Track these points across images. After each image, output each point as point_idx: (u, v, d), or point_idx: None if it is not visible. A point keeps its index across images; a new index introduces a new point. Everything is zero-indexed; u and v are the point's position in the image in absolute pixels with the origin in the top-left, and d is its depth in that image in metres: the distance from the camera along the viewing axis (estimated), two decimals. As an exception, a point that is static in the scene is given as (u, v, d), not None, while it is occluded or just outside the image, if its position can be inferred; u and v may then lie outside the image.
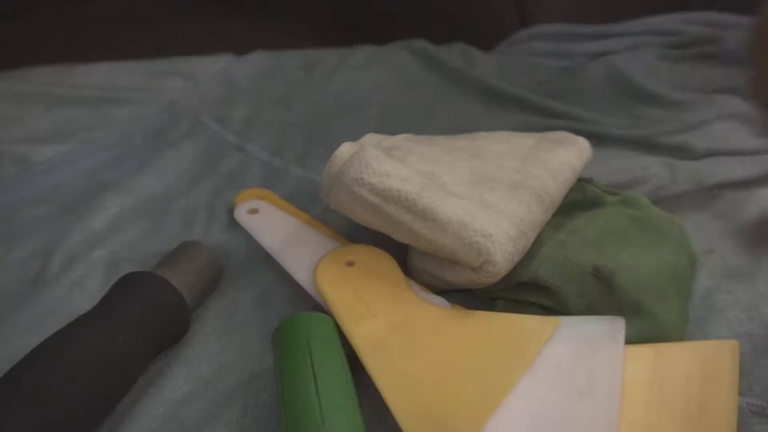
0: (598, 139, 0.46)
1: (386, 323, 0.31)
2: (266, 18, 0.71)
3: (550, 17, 0.63)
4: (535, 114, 0.52)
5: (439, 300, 0.34)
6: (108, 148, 0.49)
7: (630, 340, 0.31)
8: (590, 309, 0.33)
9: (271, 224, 0.38)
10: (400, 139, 0.39)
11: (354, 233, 0.38)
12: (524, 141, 0.42)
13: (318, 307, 0.33)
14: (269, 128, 0.51)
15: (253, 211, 0.39)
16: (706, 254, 0.39)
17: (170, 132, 0.51)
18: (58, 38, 0.65)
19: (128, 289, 0.32)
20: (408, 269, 0.35)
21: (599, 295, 0.33)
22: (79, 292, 0.36)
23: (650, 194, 0.42)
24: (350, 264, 0.35)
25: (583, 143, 0.41)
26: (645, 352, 0.31)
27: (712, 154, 0.45)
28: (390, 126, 0.42)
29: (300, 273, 0.35)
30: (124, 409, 0.30)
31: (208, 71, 0.59)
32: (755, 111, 0.48)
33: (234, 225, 0.40)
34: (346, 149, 0.36)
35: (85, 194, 0.43)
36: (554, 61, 0.60)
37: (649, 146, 0.47)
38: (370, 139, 0.39)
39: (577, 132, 0.42)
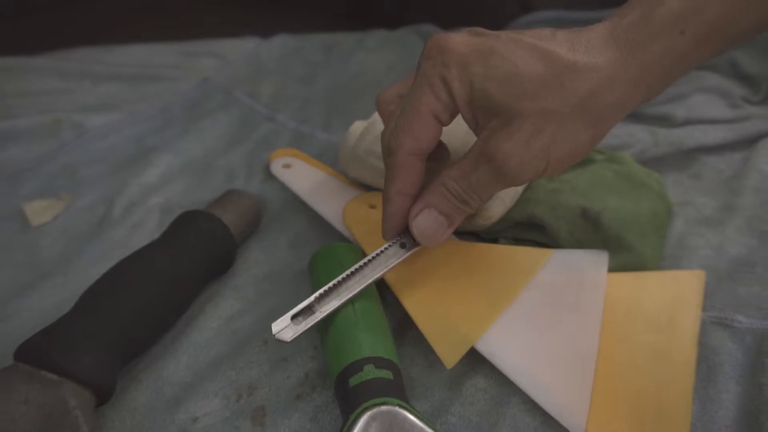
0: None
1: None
2: (284, 8, 0.77)
3: (548, 4, 0.69)
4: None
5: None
6: (150, 118, 0.55)
7: (612, 270, 0.37)
8: (579, 244, 0.39)
9: (303, 176, 0.44)
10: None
11: (371, 188, 0.44)
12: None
13: (346, 241, 0.39)
14: (294, 102, 0.57)
15: (287, 166, 0.45)
16: (682, 206, 0.44)
17: (205, 104, 0.57)
18: (94, 25, 0.70)
19: (186, 223, 0.38)
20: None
21: (587, 232, 0.39)
22: (139, 231, 0.41)
23: (636, 156, 0.47)
24: (372, 207, 0.40)
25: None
26: (625, 277, 0.37)
27: (689, 122, 0.51)
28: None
29: (330, 214, 0.40)
30: (185, 323, 0.36)
31: (237, 52, 0.64)
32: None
33: (269, 179, 0.46)
34: (357, 126, 0.42)
35: (135, 155, 0.49)
36: (552, 44, 0.65)
37: (635, 116, 0.53)
38: (378, 116, 0.45)
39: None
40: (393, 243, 0.33)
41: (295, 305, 0.30)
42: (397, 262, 0.32)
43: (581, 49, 0.27)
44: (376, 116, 0.44)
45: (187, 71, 0.61)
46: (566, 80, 0.26)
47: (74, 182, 0.46)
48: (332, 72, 0.62)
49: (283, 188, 0.45)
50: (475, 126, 0.29)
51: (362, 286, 0.31)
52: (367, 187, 0.43)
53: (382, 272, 0.32)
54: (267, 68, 0.62)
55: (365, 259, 0.32)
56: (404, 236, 0.33)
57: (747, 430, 0.28)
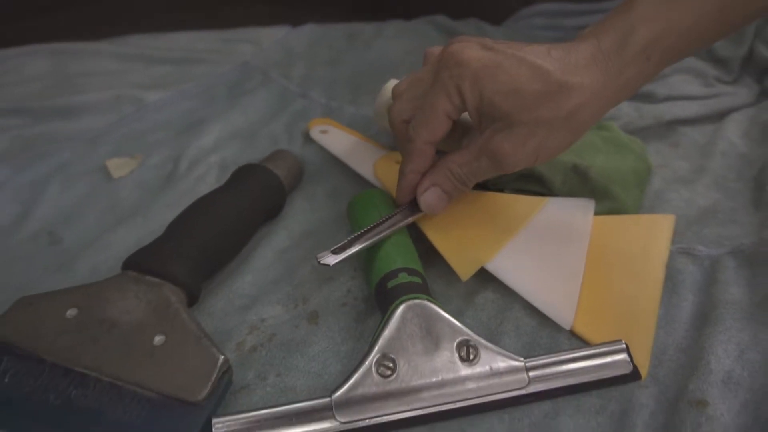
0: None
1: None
2: (309, 2, 0.84)
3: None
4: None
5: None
6: (197, 96, 0.62)
7: (598, 214, 0.45)
8: (570, 193, 0.46)
9: (338, 140, 0.52)
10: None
11: (395, 148, 0.52)
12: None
13: (377, 190, 0.47)
14: (323, 82, 0.65)
15: (324, 132, 0.53)
16: (660, 167, 0.52)
17: (246, 84, 0.64)
18: (144, 14, 0.78)
19: (246, 174, 0.46)
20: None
21: (577, 183, 0.46)
22: (202, 183, 0.49)
23: (622, 127, 0.55)
24: (397, 162, 0.48)
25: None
26: (608, 218, 0.45)
27: (670, 98, 0.58)
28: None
29: (363, 169, 0.48)
30: (246, 253, 0.43)
31: (271, 39, 0.72)
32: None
33: (307, 144, 0.54)
34: (391, 83, 0.49)
35: (190, 124, 0.57)
36: (550, 33, 0.73)
37: (622, 94, 0.60)
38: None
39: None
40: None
41: (334, 242, 0.38)
42: (419, 214, 0.40)
43: (570, 69, 0.33)
44: (404, 77, 0.52)
45: (227, 56, 0.69)
46: (558, 97, 0.33)
47: (143, 145, 0.54)
48: (355, 57, 0.70)
49: (320, 151, 0.53)
50: (478, 124, 0.37)
51: (394, 228, 0.39)
52: (392, 147, 0.51)
53: (407, 220, 0.40)
54: (297, 53, 0.70)
55: (395, 212, 0.40)
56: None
57: (699, 324, 0.36)
